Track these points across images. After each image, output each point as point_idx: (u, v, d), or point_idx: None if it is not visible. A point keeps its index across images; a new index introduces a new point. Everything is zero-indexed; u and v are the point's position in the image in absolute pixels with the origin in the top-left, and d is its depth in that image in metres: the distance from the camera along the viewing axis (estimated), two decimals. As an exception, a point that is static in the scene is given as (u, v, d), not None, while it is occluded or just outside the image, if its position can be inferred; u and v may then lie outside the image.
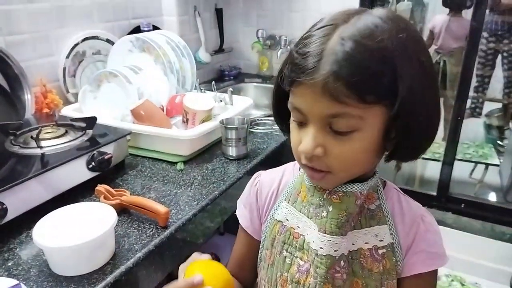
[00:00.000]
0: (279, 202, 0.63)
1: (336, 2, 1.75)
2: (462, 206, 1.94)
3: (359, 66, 0.45)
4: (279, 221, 0.62)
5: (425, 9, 4.00)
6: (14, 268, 0.69)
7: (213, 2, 1.90)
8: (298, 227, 0.60)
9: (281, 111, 0.57)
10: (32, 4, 1.19)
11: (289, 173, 0.66)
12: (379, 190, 0.59)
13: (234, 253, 0.72)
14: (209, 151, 1.15)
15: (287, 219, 0.61)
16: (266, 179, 0.67)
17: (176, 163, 1.07)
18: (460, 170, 2.69)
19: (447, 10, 3.06)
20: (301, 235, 0.59)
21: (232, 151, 1.10)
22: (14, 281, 0.64)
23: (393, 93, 0.47)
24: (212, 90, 1.38)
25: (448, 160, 1.95)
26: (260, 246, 0.66)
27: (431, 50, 3.59)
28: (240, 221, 0.69)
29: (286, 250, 0.61)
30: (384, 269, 0.57)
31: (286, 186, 0.64)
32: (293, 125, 0.54)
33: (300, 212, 0.60)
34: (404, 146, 0.52)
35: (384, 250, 0.57)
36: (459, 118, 1.82)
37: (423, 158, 3.11)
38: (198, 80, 1.41)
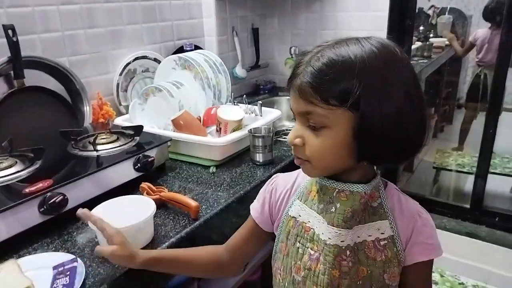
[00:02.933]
0: (292, 200, 0.74)
1: (366, 21, 1.87)
2: (497, 219, 1.93)
3: (321, 75, 0.58)
4: (292, 217, 0.72)
5: (467, 23, 3.95)
6: (72, 247, 0.85)
7: (250, 22, 2.06)
8: (309, 221, 0.70)
9: None
10: (92, 29, 1.39)
11: (302, 176, 0.75)
12: (381, 189, 0.68)
13: (236, 234, 0.82)
14: (239, 157, 1.28)
15: (299, 215, 0.71)
16: (281, 180, 0.78)
17: (209, 167, 1.21)
18: (500, 184, 2.62)
19: (489, 24, 3.03)
20: (311, 228, 0.69)
21: (259, 157, 1.22)
22: (71, 256, 0.79)
23: (355, 101, 0.56)
24: (244, 103, 1.52)
25: (481, 173, 1.95)
26: (276, 240, 0.76)
27: (473, 63, 3.54)
28: (251, 212, 0.80)
29: (299, 242, 0.70)
30: (386, 258, 0.66)
31: (299, 187, 0.74)
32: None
33: (310, 208, 0.70)
34: (364, 149, 0.60)
35: (385, 242, 0.66)
36: (491, 131, 1.83)
37: (457, 171, 3.07)
38: (233, 93, 1.55)
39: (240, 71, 1.97)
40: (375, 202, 0.67)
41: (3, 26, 1.12)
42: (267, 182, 0.81)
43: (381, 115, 0.57)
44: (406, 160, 0.65)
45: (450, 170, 3.15)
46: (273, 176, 0.81)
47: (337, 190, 0.65)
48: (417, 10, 3.41)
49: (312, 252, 0.68)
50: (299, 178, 0.76)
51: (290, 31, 2.14)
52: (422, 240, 0.67)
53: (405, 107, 0.58)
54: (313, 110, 0.59)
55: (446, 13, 3.81)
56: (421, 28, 3.61)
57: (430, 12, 3.81)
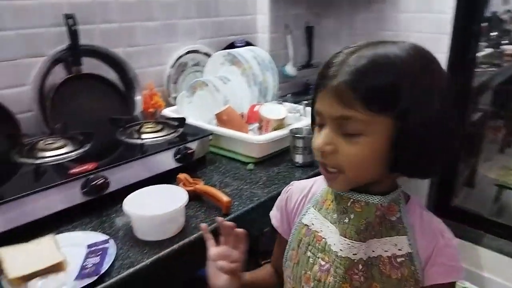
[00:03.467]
0: (307, 208, 0.71)
1: (428, 23, 1.77)
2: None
3: (365, 78, 0.53)
4: (305, 224, 0.70)
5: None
6: (108, 228, 0.89)
7: (304, 21, 2.03)
8: (321, 230, 0.67)
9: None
10: (148, 22, 1.45)
11: (319, 183, 0.73)
12: (401, 203, 0.64)
13: (274, 251, 0.82)
14: (279, 157, 1.27)
15: (312, 223, 0.69)
16: (296, 188, 0.76)
17: (248, 163, 1.21)
18: None
19: None
20: (323, 238, 0.66)
21: (298, 158, 1.20)
22: (105, 237, 0.83)
23: (398, 109, 0.54)
24: (292, 102, 1.50)
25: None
26: (287, 247, 0.74)
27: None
28: (272, 221, 0.79)
29: (310, 251, 0.68)
30: (402, 276, 0.62)
31: (314, 195, 0.72)
32: (315, 129, 0.62)
33: (324, 217, 0.68)
34: (402, 160, 0.57)
35: (402, 259, 0.62)
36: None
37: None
38: (280, 91, 1.54)
39: (290, 69, 1.95)
40: (393, 216, 0.63)
41: (65, 15, 1.20)
42: (283, 191, 0.79)
43: (423, 122, 0.54)
44: (438, 172, 0.60)
45: (515, 190, 2.90)
46: (288, 185, 0.79)
47: (352, 200, 0.62)
48: (489, 14, 3.17)
49: (323, 263, 0.65)
50: (315, 186, 0.74)
51: (346, 32, 2.08)
52: (443, 261, 0.62)
53: (443, 114, 0.55)
54: (352, 115, 0.55)
55: (524, 18, 3.50)
56: (493, 33, 3.35)
57: (506, 17, 3.53)
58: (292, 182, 0.79)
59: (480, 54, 2.58)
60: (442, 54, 1.77)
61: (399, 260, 0.62)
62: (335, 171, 0.60)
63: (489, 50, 2.97)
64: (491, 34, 3.41)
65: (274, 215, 0.79)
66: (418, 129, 0.54)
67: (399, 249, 0.62)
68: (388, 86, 0.53)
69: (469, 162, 2.66)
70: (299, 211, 0.73)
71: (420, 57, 0.56)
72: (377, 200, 0.61)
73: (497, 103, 3.28)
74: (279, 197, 0.79)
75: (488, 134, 3.06)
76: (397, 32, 1.89)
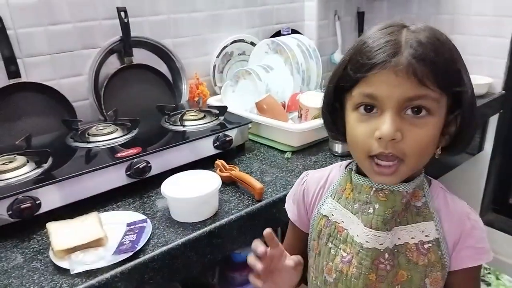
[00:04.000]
0: (325, 198, 0.69)
1: (488, 4, 1.63)
2: None
3: (438, 53, 0.52)
4: (324, 215, 0.68)
5: None
6: (148, 209, 0.95)
7: (355, 6, 1.97)
8: (343, 221, 0.65)
9: (334, 116, 0.64)
10: (195, 13, 1.49)
11: (336, 172, 0.71)
12: (425, 188, 0.62)
13: (285, 241, 0.80)
14: (318, 146, 1.26)
15: (332, 214, 0.67)
16: (312, 178, 0.73)
17: (286, 152, 1.21)
18: None
19: None
20: (345, 229, 0.65)
21: (337, 148, 1.19)
22: (143, 217, 0.89)
23: (458, 85, 0.54)
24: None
25: None
26: (309, 237, 0.73)
27: None
28: (288, 215, 0.77)
29: (331, 242, 0.66)
30: (429, 262, 0.61)
31: (332, 184, 0.70)
32: (356, 118, 0.57)
33: (344, 208, 0.66)
34: (461, 138, 0.58)
35: (430, 245, 0.61)
36: None
37: None
38: (323, 80, 1.52)
39: (338, 57, 1.90)
40: (419, 202, 0.61)
41: (117, 8, 1.27)
42: (297, 182, 0.76)
43: (471, 98, 0.56)
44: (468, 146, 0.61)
45: None
46: (302, 174, 0.76)
47: (374, 189, 0.60)
48: None
49: (345, 254, 0.64)
50: (332, 174, 0.71)
51: (401, 16, 1.98)
52: (472, 244, 0.60)
53: (473, 89, 0.57)
54: (425, 93, 0.51)
55: None
56: None
57: None
58: (306, 172, 0.76)
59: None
60: (505, 38, 1.64)
61: (426, 246, 0.61)
62: (394, 163, 0.55)
63: None
64: None
65: (291, 208, 0.77)
66: (469, 105, 0.55)
67: (426, 235, 0.61)
68: (453, 61, 0.54)
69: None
70: (317, 202, 0.71)
71: (447, 37, 0.56)
72: (402, 187, 0.59)
73: None
74: (293, 188, 0.77)
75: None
76: (454, 15, 1.77)
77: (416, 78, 0.50)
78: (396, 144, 0.53)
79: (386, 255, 0.61)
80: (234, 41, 1.62)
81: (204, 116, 1.25)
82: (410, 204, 0.61)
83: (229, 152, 1.19)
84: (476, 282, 0.65)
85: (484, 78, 1.69)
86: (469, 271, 0.61)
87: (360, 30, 2.02)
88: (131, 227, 0.85)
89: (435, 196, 0.63)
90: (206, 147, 1.15)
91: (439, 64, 0.51)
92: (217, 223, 0.88)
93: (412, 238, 0.61)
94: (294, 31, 1.73)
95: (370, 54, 0.53)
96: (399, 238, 0.61)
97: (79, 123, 1.18)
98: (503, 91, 1.73)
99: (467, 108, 0.56)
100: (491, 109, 1.73)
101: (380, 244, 0.60)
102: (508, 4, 1.59)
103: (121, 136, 1.13)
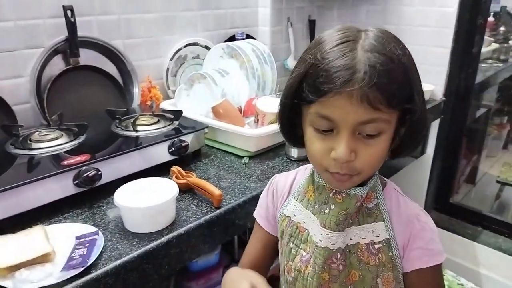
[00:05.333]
0: (288, 199, 0.72)
1: (432, 17, 1.74)
2: None
3: (391, 78, 0.52)
4: (287, 216, 0.70)
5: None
6: (99, 220, 0.89)
7: (306, 14, 2.01)
8: (304, 221, 0.67)
9: (291, 125, 0.64)
10: (148, 14, 1.44)
11: (301, 174, 0.73)
12: (378, 189, 0.64)
13: (248, 249, 0.79)
14: (275, 151, 1.26)
15: (294, 215, 0.69)
16: (280, 181, 0.76)
17: (243, 157, 1.20)
18: None
19: None
20: (306, 229, 0.67)
21: (294, 152, 1.19)
22: (94, 229, 0.83)
23: (409, 99, 0.55)
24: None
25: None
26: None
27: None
28: (257, 220, 0.77)
29: (292, 242, 0.68)
30: (380, 262, 0.62)
31: (296, 186, 0.72)
32: (314, 135, 0.57)
33: (306, 208, 0.68)
34: (410, 141, 0.60)
35: (380, 245, 0.62)
36: None
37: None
38: (278, 85, 1.53)
39: (291, 63, 1.93)
40: (370, 203, 0.63)
41: (64, 7, 1.20)
42: (267, 185, 0.78)
43: (422, 106, 0.57)
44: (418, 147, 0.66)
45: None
46: (271, 178, 0.79)
47: (333, 191, 0.62)
48: (498, 9, 3.11)
49: (304, 254, 0.66)
50: (297, 178, 0.73)
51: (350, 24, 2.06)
52: (421, 245, 0.62)
53: (423, 94, 0.59)
54: (377, 117, 0.53)
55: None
56: (502, 28, 3.29)
57: (515, 11, 3.46)
58: (275, 175, 0.78)
59: (486, 49, 2.54)
60: (445, 48, 1.75)
61: (376, 246, 0.62)
62: (350, 175, 0.58)
63: (495, 45, 2.92)
64: (501, 29, 3.34)
65: (258, 214, 0.78)
66: (420, 113, 0.56)
67: (377, 236, 0.63)
68: (406, 82, 0.54)
69: (471, 159, 2.63)
70: (283, 202, 0.73)
71: (398, 41, 0.56)
72: (358, 191, 0.61)
73: (501, 99, 3.23)
74: (263, 194, 0.78)
75: (492, 131, 3.02)
76: (399, 26, 1.86)
77: (370, 104, 0.51)
78: (351, 163, 0.56)
79: (338, 255, 0.63)
80: (188, 44, 1.59)
81: (158, 120, 1.21)
82: (362, 206, 0.63)
83: (185, 158, 1.15)
84: (436, 284, 0.65)
85: (426, 85, 1.80)
86: (423, 272, 0.62)
87: (312, 37, 2.07)
88: (81, 240, 0.79)
89: (388, 197, 0.65)
90: (161, 153, 1.10)
91: (392, 89, 0.52)
92: (175, 233, 0.84)
93: (363, 238, 0.63)
94: (248, 36, 1.73)
95: (326, 78, 0.52)
96: (351, 239, 0.63)
97: (19, 128, 1.09)
98: (444, 98, 1.84)
99: (417, 115, 0.57)
100: (432, 114, 1.83)
101: (332, 244, 0.62)
102: (448, 17, 1.70)
103: (67, 142, 1.05)
